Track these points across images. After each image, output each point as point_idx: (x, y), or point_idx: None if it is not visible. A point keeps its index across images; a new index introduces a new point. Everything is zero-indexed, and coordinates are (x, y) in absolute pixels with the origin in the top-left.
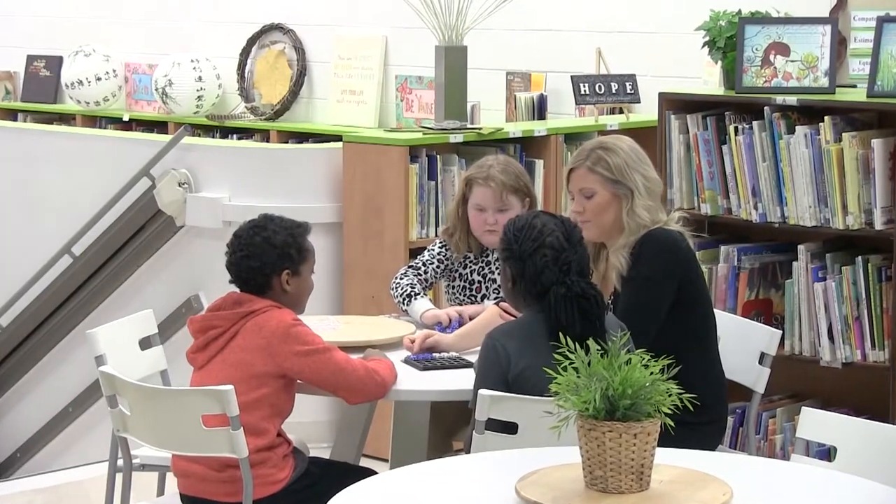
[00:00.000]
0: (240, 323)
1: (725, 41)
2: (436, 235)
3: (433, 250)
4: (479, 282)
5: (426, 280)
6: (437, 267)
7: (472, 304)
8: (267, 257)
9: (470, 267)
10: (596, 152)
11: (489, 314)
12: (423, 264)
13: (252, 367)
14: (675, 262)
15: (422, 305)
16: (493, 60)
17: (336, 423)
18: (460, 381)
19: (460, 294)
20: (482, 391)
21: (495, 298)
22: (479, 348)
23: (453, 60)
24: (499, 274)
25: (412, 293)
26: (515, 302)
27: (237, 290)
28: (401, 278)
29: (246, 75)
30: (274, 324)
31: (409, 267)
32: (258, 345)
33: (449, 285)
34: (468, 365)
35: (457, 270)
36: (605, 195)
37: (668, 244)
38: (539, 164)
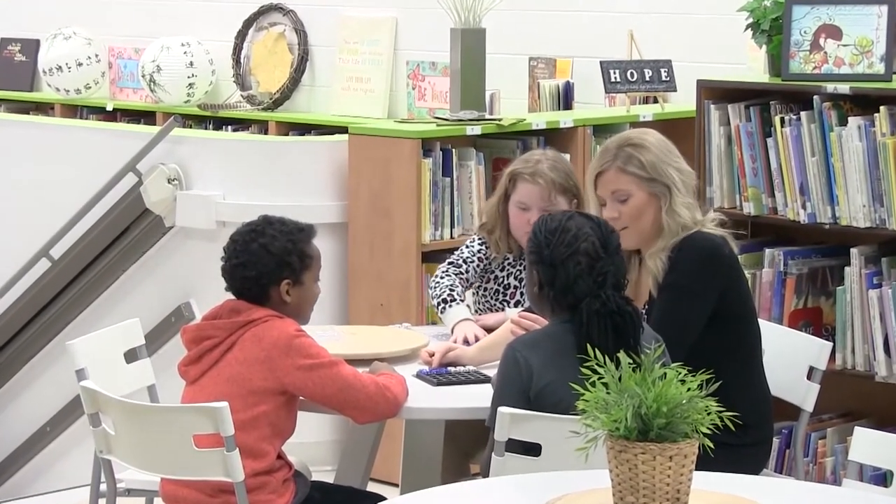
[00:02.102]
0: (237, 333)
1: (771, 23)
2: (451, 238)
3: (472, 247)
4: (515, 286)
5: (466, 280)
6: (478, 266)
7: (501, 310)
8: (263, 266)
9: (507, 270)
10: (625, 150)
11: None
12: (464, 262)
13: (250, 382)
14: (716, 270)
15: (456, 314)
16: (515, 44)
17: (341, 443)
18: (478, 397)
19: (491, 298)
20: (501, 408)
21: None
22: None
23: (470, 44)
24: None
25: (449, 298)
26: (540, 307)
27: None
28: (442, 277)
29: (242, 61)
30: (275, 335)
31: (450, 264)
32: (257, 357)
33: (480, 287)
34: (486, 380)
35: (493, 272)
36: (641, 196)
37: (709, 251)
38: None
